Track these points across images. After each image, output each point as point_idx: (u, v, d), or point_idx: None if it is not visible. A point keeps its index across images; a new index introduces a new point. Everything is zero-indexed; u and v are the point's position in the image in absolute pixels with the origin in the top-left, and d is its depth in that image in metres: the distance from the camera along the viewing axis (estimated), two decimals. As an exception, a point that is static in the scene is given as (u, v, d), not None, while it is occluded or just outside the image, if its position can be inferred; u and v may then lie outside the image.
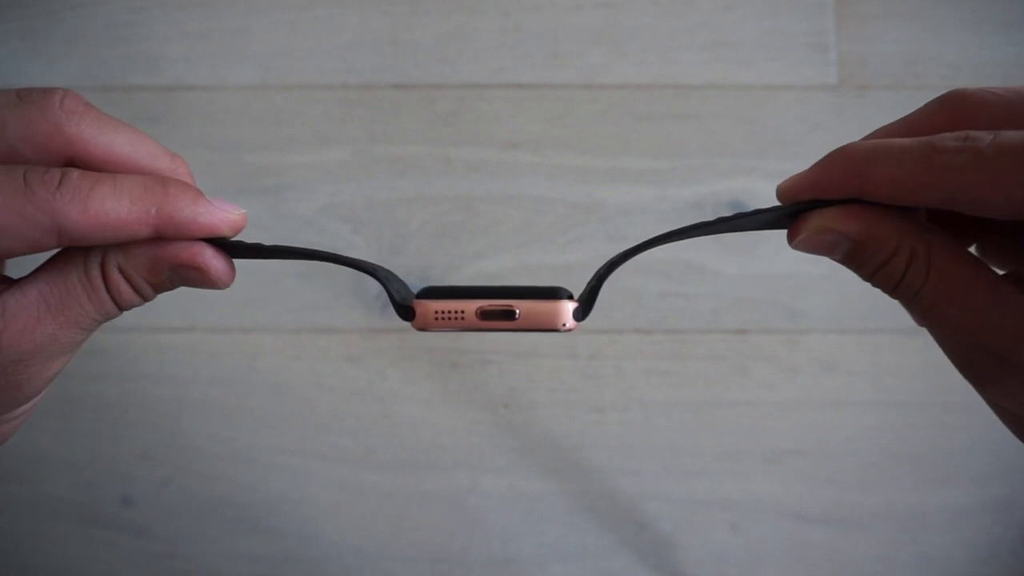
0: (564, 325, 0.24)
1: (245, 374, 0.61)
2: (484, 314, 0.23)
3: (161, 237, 0.21)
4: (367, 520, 0.60)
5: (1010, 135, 0.18)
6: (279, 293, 0.62)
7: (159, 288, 0.22)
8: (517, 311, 0.23)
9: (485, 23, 0.65)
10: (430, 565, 0.59)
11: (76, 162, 0.21)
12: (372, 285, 0.62)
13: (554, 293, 0.24)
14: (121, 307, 0.22)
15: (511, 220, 0.63)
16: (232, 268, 0.23)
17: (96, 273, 0.21)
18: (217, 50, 0.65)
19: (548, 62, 0.65)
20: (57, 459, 0.60)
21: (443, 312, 0.23)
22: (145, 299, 0.23)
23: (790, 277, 0.61)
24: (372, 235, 0.63)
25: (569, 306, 0.24)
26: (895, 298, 0.22)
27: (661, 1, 0.65)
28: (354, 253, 0.62)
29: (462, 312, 0.23)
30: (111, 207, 0.20)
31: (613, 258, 0.25)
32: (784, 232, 0.24)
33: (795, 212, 0.23)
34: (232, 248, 0.23)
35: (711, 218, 0.25)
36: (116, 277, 0.21)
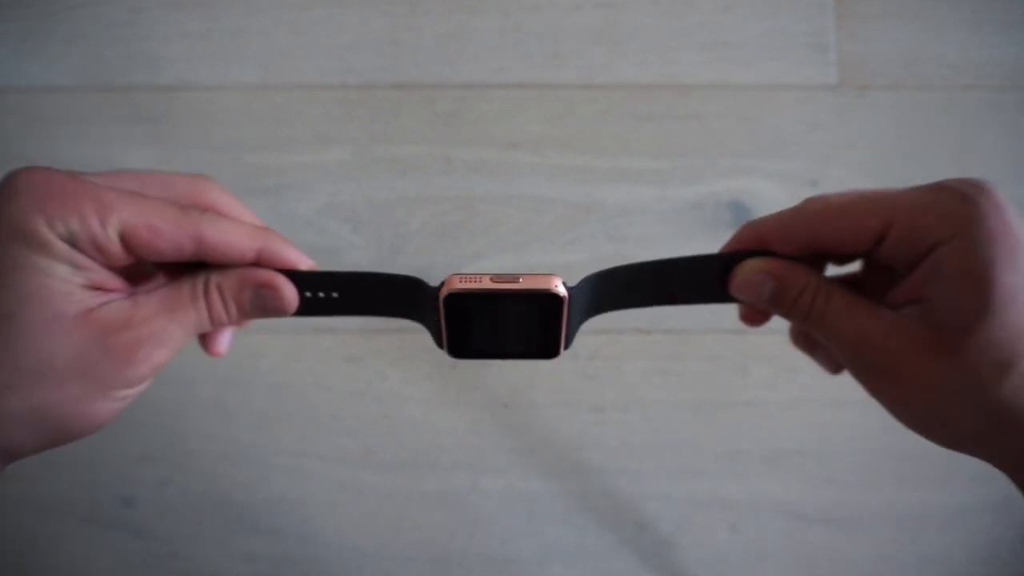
0: (556, 287, 0.30)
1: (245, 374, 0.61)
2: (496, 278, 0.29)
3: (257, 264, 0.29)
4: (367, 520, 0.60)
5: (836, 197, 0.28)
6: (279, 293, 0.61)
7: (241, 309, 0.29)
8: (521, 278, 0.29)
9: (485, 23, 0.65)
10: (430, 565, 0.59)
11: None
12: (372, 285, 0.62)
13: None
14: (212, 319, 0.29)
15: (511, 220, 0.63)
16: (298, 296, 0.30)
17: (200, 288, 0.29)
18: (217, 50, 0.65)
19: (548, 62, 0.65)
20: (57, 459, 0.60)
21: (465, 277, 0.29)
22: (230, 318, 0.29)
23: (790, 277, 0.61)
24: (372, 235, 0.63)
25: (559, 280, 0.30)
26: (805, 326, 0.29)
27: (661, 1, 0.65)
28: (354, 253, 0.62)
29: (479, 277, 0.29)
30: (234, 234, 0.28)
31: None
32: None
33: (729, 264, 0.30)
34: (299, 278, 0.30)
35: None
36: (214, 293, 0.29)
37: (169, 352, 0.28)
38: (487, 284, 0.29)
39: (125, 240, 0.27)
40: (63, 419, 0.27)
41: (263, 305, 0.29)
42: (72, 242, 0.26)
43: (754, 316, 0.32)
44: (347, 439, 0.60)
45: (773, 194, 0.62)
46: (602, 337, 0.61)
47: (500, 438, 0.60)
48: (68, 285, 0.26)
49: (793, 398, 0.60)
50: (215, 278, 0.29)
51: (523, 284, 0.29)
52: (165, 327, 0.28)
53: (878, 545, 0.59)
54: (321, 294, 0.30)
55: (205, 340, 0.32)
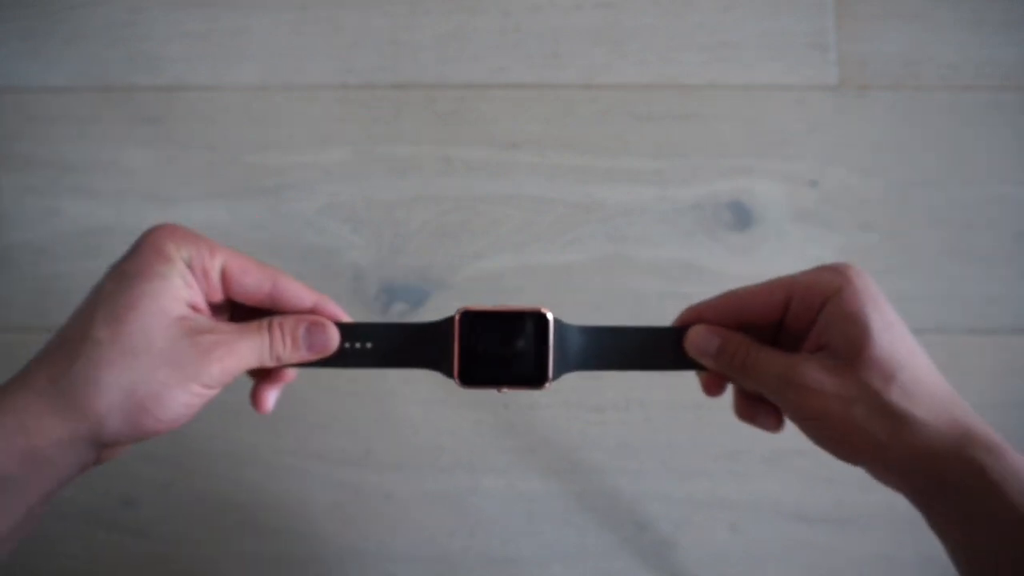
0: (545, 310, 0.37)
1: (246, 375, 0.61)
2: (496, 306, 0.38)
3: (313, 311, 0.37)
4: (367, 520, 0.60)
5: (751, 285, 0.38)
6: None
7: (295, 342, 0.36)
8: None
9: (485, 23, 0.65)
10: (430, 565, 0.59)
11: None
12: (372, 285, 0.62)
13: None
14: (272, 346, 0.36)
15: (511, 220, 0.63)
16: (339, 337, 0.37)
17: (265, 323, 0.36)
18: (217, 50, 0.65)
19: (548, 62, 0.65)
20: (57, 459, 0.60)
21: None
22: (286, 348, 0.36)
23: (790, 277, 0.61)
24: (372, 235, 0.63)
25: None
26: (742, 376, 0.37)
27: (661, 1, 0.65)
28: (354, 253, 0.62)
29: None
30: (300, 286, 0.37)
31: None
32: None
33: (681, 333, 0.38)
34: (341, 326, 0.37)
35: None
36: (275, 326, 0.36)
37: (237, 362, 0.35)
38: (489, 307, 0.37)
39: (224, 273, 0.35)
40: (148, 399, 0.32)
41: (312, 340, 0.36)
42: (188, 265, 0.34)
43: (712, 384, 0.39)
44: (347, 439, 0.61)
45: (773, 194, 0.62)
46: (602, 337, 0.61)
47: (500, 438, 0.60)
48: (177, 293, 0.33)
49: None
50: (278, 318, 0.36)
51: (517, 307, 0.37)
52: (237, 340, 0.35)
53: (878, 545, 0.59)
54: (358, 345, 0.37)
55: (256, 395, 0.39)
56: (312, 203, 0.63)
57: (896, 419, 0.34)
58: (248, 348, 0.35)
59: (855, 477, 0.60)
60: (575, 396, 0.61)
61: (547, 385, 0.37)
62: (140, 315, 0.33)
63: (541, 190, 0.63)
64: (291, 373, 0.40)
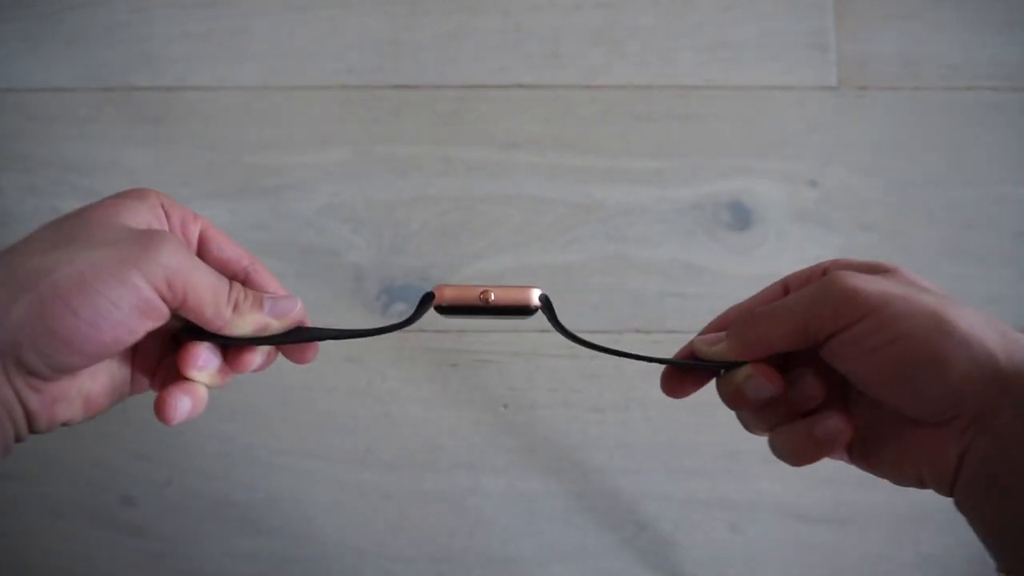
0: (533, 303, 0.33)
1: (245, 375, 0.61)
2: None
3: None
4: (367, 520, 0.60)
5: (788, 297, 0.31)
6: (279, 293, 0.62)
7: (258, 300, 0.31)
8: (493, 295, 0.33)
9: (485, 23, 0.65)
10: (430, 565, 0.59)
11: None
12: (372, 285, 0.62)
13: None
14: (231, 293, 0.30)
15: (511, 220, 0.63)
16: (302, 313, 0.33)
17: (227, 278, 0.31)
18: (217, 50, 0.65)
19: (548, 62, 0.65)
20: (57, 459, 0.60)
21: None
22: (246, 302, 0.31)
23: (790, 277, 0.61)
24: (372, 235, 0.63)
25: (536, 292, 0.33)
26: (757, 326, 0.31)
27: (661, 1, 0.65)
28: (354, 253, 0.62)
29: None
30: (275, 284, 0.34)
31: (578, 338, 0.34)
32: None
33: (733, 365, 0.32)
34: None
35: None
36: (238, 285, 0.31)
37: (191, 265, 0.29)
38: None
39: (203, 235, 0.32)
40: (67, 282, 0.26)
41: (276, 303, 0.32)
42: (165, 209, 0.31)
43: (767, 375, 0.31)
44: (347, 439, 0.60)
45: (773, 194, 0.62)
46: (602, 337, 0.61)
47: (500, 438, 0.60)
48: (140, 216, 0.29)
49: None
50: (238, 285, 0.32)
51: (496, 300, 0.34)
52: (193, 255, 0.30)
53: (878, 545, 0.59)
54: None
55: (163, 400, 0.31)
56: (312, 203, 0.63)
57: (950, 322, 0.27)
58: (207, 269, 0.30)
59: (855, 477, 0.60)
60: (575, 396, 0.61)
61: (537, 291, 0.34)
62: (85, 217, 0.28)
63: (541, 190, 0.63)
64: (202, 392, 0.32)
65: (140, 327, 0.28)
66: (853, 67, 0.64)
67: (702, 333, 0.35)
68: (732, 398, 0.32)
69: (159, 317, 0.29)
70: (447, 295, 0.33)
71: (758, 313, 0.31)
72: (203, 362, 0.31)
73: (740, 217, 0.62)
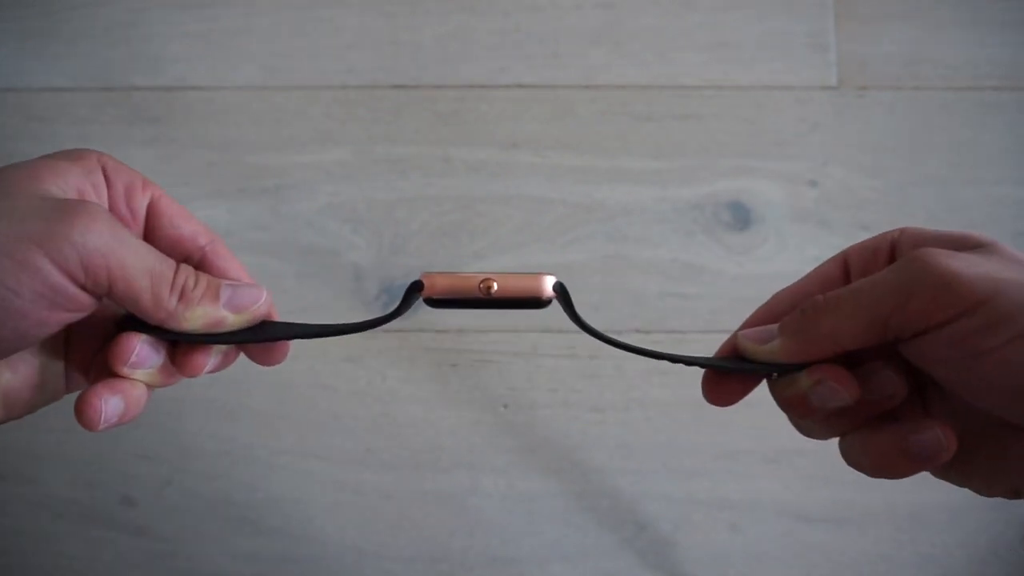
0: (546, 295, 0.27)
1: (245, 374, 0.61)
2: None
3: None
4: (367, 520, 0.60)
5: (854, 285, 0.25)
6: (278, 293, 0.61)
7: (211, 287, 0.25)
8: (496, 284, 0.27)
9: (485, 23, 0.65)
10: (430, 565, 0.59)
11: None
12: (371, 286, 0.62)
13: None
14: (177, 273, 0.25)
15: (511, 220, 0.63)
16: (267, 306, 0.27)
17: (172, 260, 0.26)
18: (218, 50, 0.65)
19: (548, 62, 0.65)
20: (57, 459, 0.60)
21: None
22: (197, 288, 0.25)
23: (789, 277, 0.60)
24: (372, 235, 0.63)
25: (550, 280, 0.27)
26: (824, 320, 0.25)
27: (661, 1, 0.65)
28: (354, 253, 0.62)
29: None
30: (240, 271, 0.28)
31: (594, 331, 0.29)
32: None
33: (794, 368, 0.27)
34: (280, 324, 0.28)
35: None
36: (186, 267, 0.26)
37: (118, 243, 0.23)
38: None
39: (154, 206, 0.26)
40: None
41: (235, 293, 0.26)
42: (105, 171, 0.25)
43: (836, 375, 0.26)
44: (347, 439, 0.60)
45: (773, 194, 0.62)
46: (602, 337, 0.61)
47: (500, 438, 0.60)
48: (69, 179, 0.24)
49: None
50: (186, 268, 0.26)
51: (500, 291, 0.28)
52: (125, 230, 0.24)
53: (878, 545, 0.59)
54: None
55: (86, 398, 0.25)
56: (312, 203, 0.63)
57: None
58: (143, 247, 0.24)
59: (855, 477, 0.60)
60: (575, 396, 0.61)
61: (551, 279, 0.28)
62: (1, 179, 0.23)
63: (541, 190, 0.63)
64: (139, 392, 0.26)
65: (51, 318, 0.23)
66: (853, 67, 0.64)
67: (745, 325, 0.29)
68: (793, 405, 0.27)
69: (77, 307, 0.23)
70: (439, 285, 0.27)
71: (820, 304, 0.25)
72: (139, 358, 0.25)
73: (740, 217, 0.62)
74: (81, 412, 0.24)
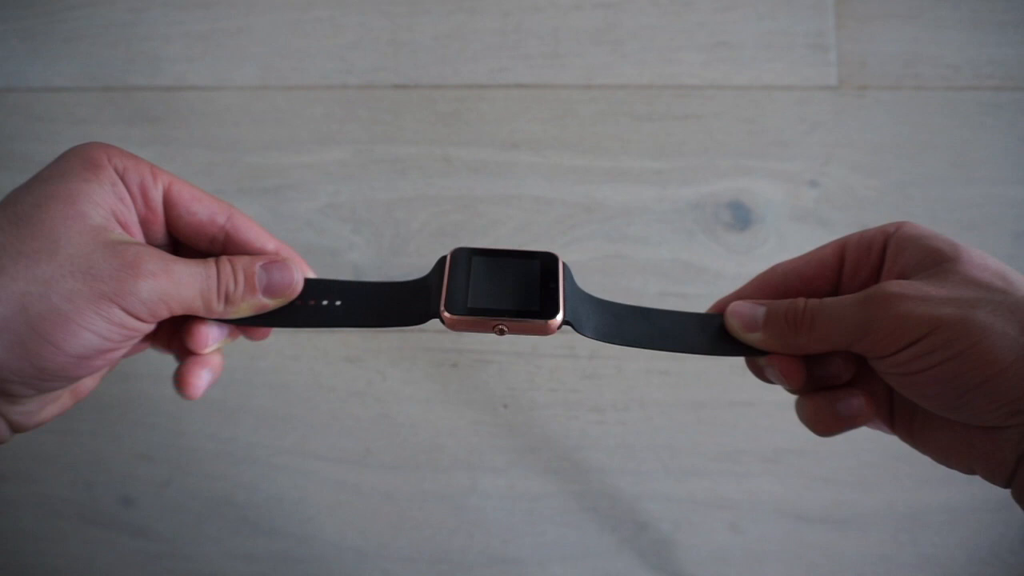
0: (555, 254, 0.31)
1: (245, 374, 0.61)
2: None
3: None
4: (367, 520, 0.60)
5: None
6: (279, 293, 0.61)
7: (250, 281, 0.29)
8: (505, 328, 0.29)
9: (485, 23, 0.65)
10: (430, 565, 0.59)
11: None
12: (372, 285, 0.62)
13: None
14: (220, 282, 0.29)
15: (511, 220, 0.63)
16: (303, 281, 0.31)
17: (213, 260, 0.29)
18: (218, 50, 0.65)
19: (548, 62, 0.65)
20: (57, 459, 0.60)
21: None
22: (237, 288, 0.29)
23: (790, 277, 0.61)
24: (372, 235, 0.63)
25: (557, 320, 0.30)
26: (802, 336, 0.30)
27: (661, 1, 0.65)
28: (354, 253, 0.62)
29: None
30: (260, 228, 0.31)
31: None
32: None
33: (715, 318, 0.32)
34: (307, 281, 0.31)
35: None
36: (225, 261, 0.29)
37: (174, 285, 0.27)
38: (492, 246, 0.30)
39: (169, 197, 0.29)
40: (45, 316, 0.24)
41: (270, 280, 0.30)
42: (122, 176, 0.28)
43: (790, 368, 0.31)
44: (347, 439, 0.60)
45: (773, 194, 0.62)
46: (602, 337, 0.61)
47: (500, 438, 0.60)
48: (102, 199, 0.27)
49: (793, 398, 0.60)
50: (228, 256, 0.30)
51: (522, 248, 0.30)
52: (175, 262, 0.28)
53: (878, 545, 0.59)
54: (324, 302, 0.31)
55: (183, 375, 0.31)
56: (312, 203, 0.63)
57: None
58: (189, 275, 0.28)
59: (855, 477, 0.60)
60: (575, 396, 0.61)
61: (555, 323, 0.29)
62: (46, 215, 0.25)
63: (541, 190, 0.63)
64: (214, 358, 0.32)
65: (129, 344, 0.28)
66: (853, 67, 0.64)
67: (740, 293, 0.32)
68: (754, 372, 0.33)
69: (146, 332, 0.28)
70: (458, 326, 0.29)
71: (801, 320, 0.29)
72: (210, 339, 0.30)
73: (740, 217, 0.62)
74: (183, 386, 0.30)
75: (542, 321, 0.28)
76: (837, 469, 0.59)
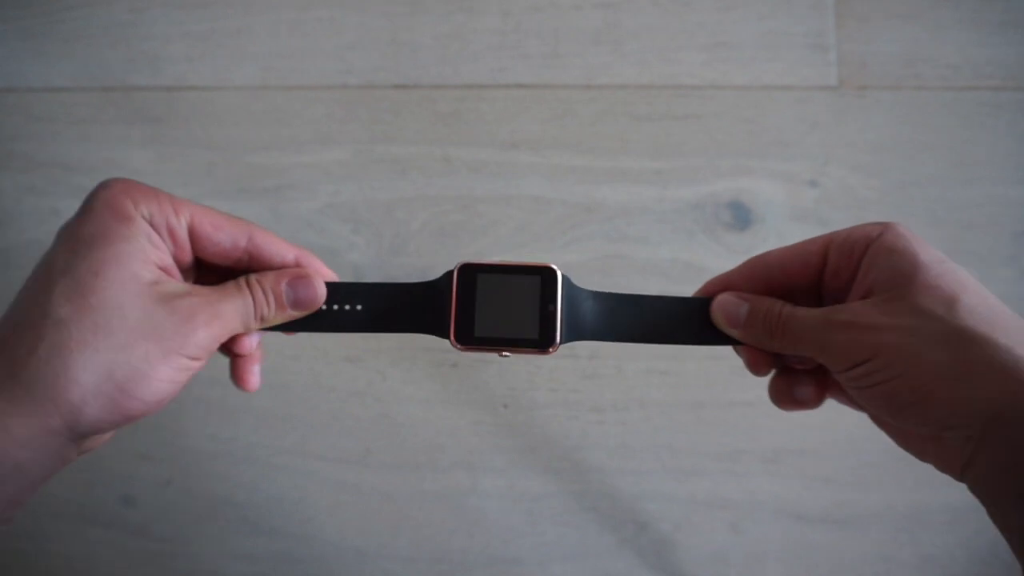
0: (554, 266, 0.34)
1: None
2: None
3: (297, 265, 0.34)
4: (367, 520, 0.60)
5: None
6: (279, 293, 0.61)
7: (279, 300, 0.33)
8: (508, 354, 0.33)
9: (485, 23, 0.65)
10: (430, 565, 0.59)
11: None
12: (372, 285, 0.62)
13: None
14: (256, 307, 0.32)
15: (511, 220, 0.63)
16: (326, 292, 0.34)
17: (243, 281, 0.33)
18: (218, 50, 0.65)
19: (548, 62, 0.65)
20: (57, 459, 0.60)
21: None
22: (270, 308, 0.33)
23: (790, 277, 0.61)
24: (372, 235, 0.63)
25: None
26: (775, 341, 0.33)
27: (661, 1, 0.65)
28: (354, 253, 0.62)
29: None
30: (279, 240, 0.34)
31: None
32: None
33: (707, 303, 0.35)
34: (328, 285, 0.34)
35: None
36: (255, 284, 0.33)
37: (224, 326, 0.31)
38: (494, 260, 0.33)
39: (192, 230, 0.32)
40: (130, 380, 0.29)
41: (297, 296, 0.33)
42: (151, 222, 0.31)
43: (757, 360, 0.35)
44: (347, 439, 0.60)
45: (773, 194, 0.62)
46: (602, 337, 0.61)
47: (500, 438, 0.60)
48: (145, 255, 0.30)
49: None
50: (255, 275, 0.33)
51: (523, 262, 0.34)
52: (219, 302, 0.31)
53: (878, 545, 0.59)
54: (347, 307, 0.34)
55: (240, 373, 0.35)
56: (312, 203, 0.63)
57: (970, 345, 0.28)
58: (232, 310, 0.32)
59: (855, 477, 0.60)
60: (575, 396, 0.61)
61: (553, 349, 0.33)
62: (107, 284, 0.29)
63: (541, 190, 0.63)
64: (258, 351, 0.36)
65: (189, 379, 0.33)
66: (853, 67, 0.64)
67: (727, 283, 0.35)
68: (735, 349, 0.37)
69: (204, 365, 0.33)
70: (465, 351, 0.34)
71: (775, 327, 0.33)
72: (253, 343, 0.35)
73: (740, 217, 0.62)
74: (242, 383, 0.35)
75: (541, 349, 0.32)
76: (837, 469, 0.59)
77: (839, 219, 0.62)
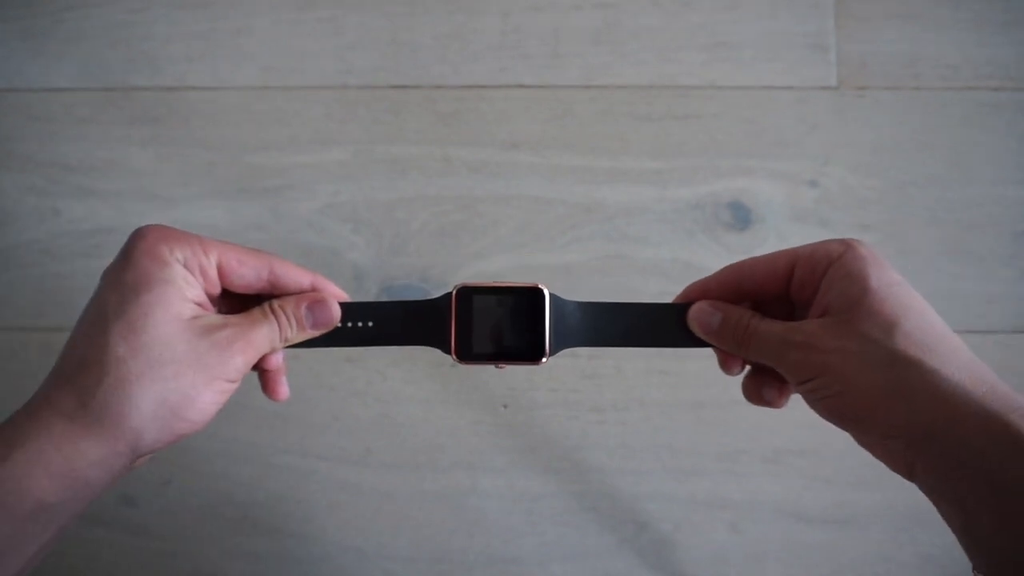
0: (541, 285, 0.37)
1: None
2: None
3: (313, 289, 0.38)
4: (367, 520, 0.60)
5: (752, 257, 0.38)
6: (279, 293, 0.61)
7: (300, 323, 0.37)
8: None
9: (485, 23, 0.65)
10: (430, 565, 0.59)
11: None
12: (372, 285, 0.62)
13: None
14: (280, 330, 0.37)
15: (511, 220, 0.63)
16: (341, 312, 0.37)
17: (267, 308, 0.37)
18: (218, 50, 0.65)
19: (548, 62, 0.65)
20: (57, 459, 0.60)
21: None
22: (293, 330, 0.37)
23: (790, 277, 0.61)
24: (372, 235, 0.63)
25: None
26: (744, 350, 0.37)
27: (661, 1, 0.65)
28: (354, 253, 0.62)
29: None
30: (295, 268, 0.37)
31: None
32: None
33: (684, 309, 0.38)
34: (341, 305, 0.38)
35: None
36: (278, 310, 0.37)
37: (256, 350, 0.36)
38: (487, 282, 0.37)
39: (220, 268, 0.36)
40: (181, 405, 0.33)
41: (315, 319, 0.37)
42: (184, 265, 0.35)
43: (729, 361, 0.39)
44: (347, 439, 0.61)
45: (773, 194, 0.63)
46: (602, 337, 0.61)
47: (500, 438, 0.60)
48: (184, 295, 0.34)
49: (793, 398, 0.60)
50: (277, 301, 0.37)
51: (514, 282, 0.37)
52: (250, 330, 0.36)
53: (878, 545, 0.59)
54: (359, 324, 0.38)
55: (271, 385, 0.39)
56: (312, 203, 0.63)
57: (904, 368, 0.31)
58: (262, 335, 0.36)
59: (855, 477, 0.60)
60: (575, 396, 0.61)
61: (544, 360, 0.37)
62: (155, 324, 0.34)
63: (541, 190, 0.63)
64: (283, 365, 0.41)
65: (228, 398, 0.36)
66: (853, 67, 0.64)
67: (704, 291, 0.38)
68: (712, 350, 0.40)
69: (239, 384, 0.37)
70: (465, 365, 0.38)
71: (743, 338, 0.37)
72: (280, 360, 0.39)
73: (740, 217, 0.62)
74: (273, 395, 0.39)
75: (533, 361, 0.37)
76: (837, 469, 0.59)
77: (839, 219, 0.62)
